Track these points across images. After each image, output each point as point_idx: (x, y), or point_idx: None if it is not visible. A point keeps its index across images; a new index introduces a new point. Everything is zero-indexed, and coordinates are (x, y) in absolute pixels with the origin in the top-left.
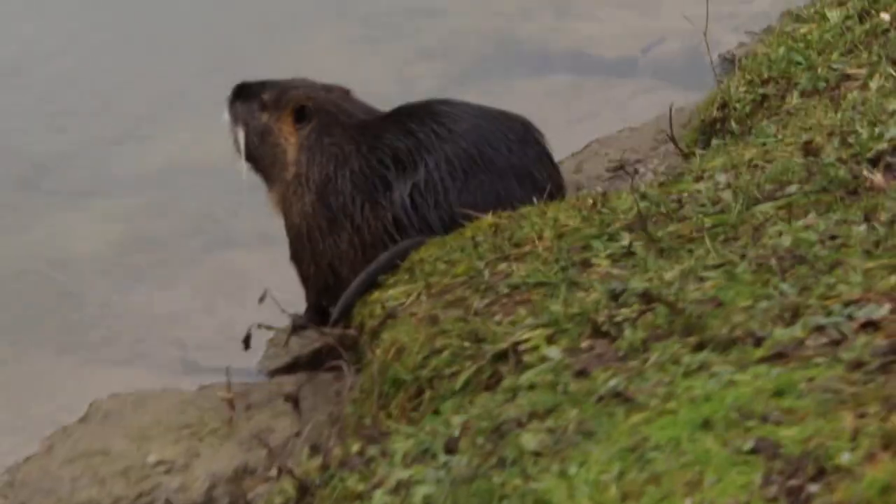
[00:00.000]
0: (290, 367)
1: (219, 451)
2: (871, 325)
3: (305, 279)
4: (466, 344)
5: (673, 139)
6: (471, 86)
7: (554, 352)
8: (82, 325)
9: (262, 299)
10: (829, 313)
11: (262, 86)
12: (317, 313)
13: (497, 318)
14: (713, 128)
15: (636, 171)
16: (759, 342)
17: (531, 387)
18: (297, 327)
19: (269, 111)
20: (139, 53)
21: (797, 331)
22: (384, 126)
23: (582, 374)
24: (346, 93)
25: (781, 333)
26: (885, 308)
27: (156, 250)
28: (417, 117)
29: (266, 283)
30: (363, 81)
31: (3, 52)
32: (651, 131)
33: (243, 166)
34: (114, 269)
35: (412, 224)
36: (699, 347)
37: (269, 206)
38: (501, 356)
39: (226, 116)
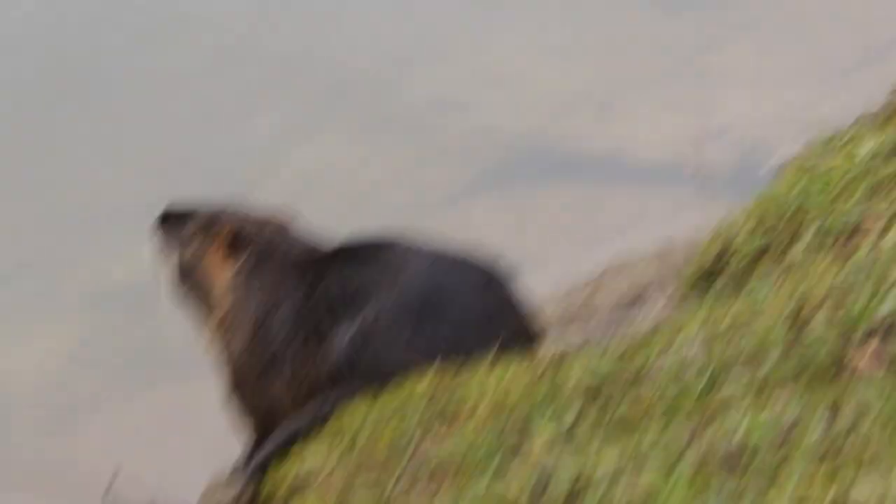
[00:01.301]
0: None
1: None
2: None
3: (239, 425)
4: None
5: (671, 283)
6: (489, 191)
7: None
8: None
9: (112, 479)
10: None
11: (191, 212)
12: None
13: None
14: (711, 275)
15: (633, 317)
16: None
17: None
18: (232, 473)
19: (198, 241)
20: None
21: None
22: (324, 266)
23: None
24: (285, 223)
25: None
26: None
27: (94, 385)
28: (361, 258)
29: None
30: (367, 183)
31: None
32: (678, 258)
33: (169, 300)
34: (45, 407)
35: (353, 378)
36: None
37: (201, 342)
38: None
39: (151, 245)
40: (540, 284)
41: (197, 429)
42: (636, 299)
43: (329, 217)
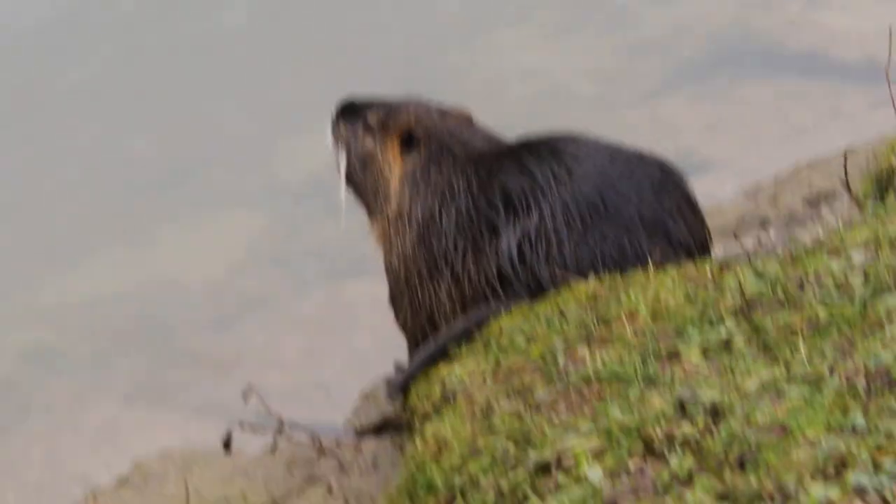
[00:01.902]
0: (379, 428)
1: None
2: None
3: (403, 328)
4: (512, 448)
5: (848, 187)
6: (685, 87)
7: (594, 473)
8: (164, 365)
9: (245, 396)
10: (877, 470)
11: (369, 105)
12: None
13: (559, 415)
14: (892, 180)
15: (817, 216)
16: (785, 502)
17: None
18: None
19: (374, 134)
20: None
21: (834, 491)
22: (499, 161)
23: None
24: (465, 118)
25: (815, 493)
26: None
27: (270, 278)
28: (537, 153)
29: (376, 321)
30: (563, 80)
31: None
32: (869, 155)
33: (344, 193)
34: (221, 296)
35: (519, 279)
36: (723, 498)
37: (371, 239)
38: (544, 468)
39: (328, 137)
40: (730, 181)
41: (366, 328)
42: (821, 199)
43: (521, 112)
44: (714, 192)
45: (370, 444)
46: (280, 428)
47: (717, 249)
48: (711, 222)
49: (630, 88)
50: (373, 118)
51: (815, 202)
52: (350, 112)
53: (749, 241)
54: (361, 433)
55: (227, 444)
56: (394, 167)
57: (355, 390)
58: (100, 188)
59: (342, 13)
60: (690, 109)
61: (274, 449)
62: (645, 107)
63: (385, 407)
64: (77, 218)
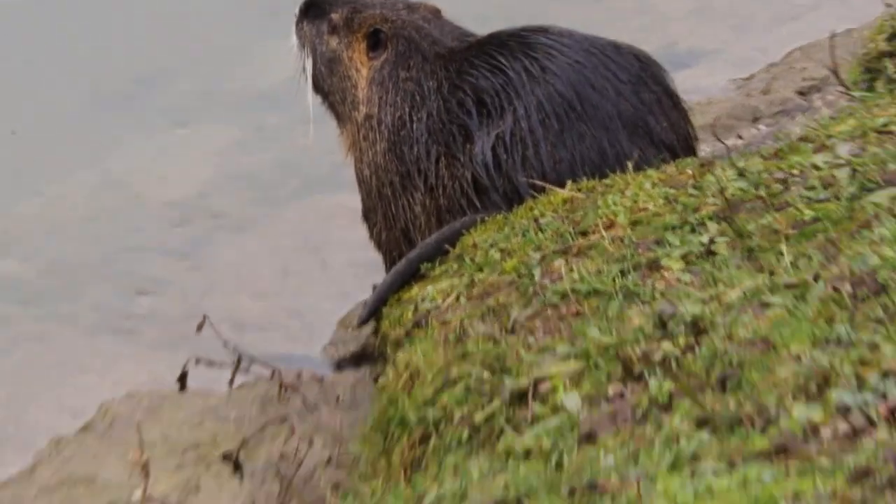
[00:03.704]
0: (358, 358)
1: (223, 486)
2: None
3: (378, 244)
4: (486, 375)
5: (837, 74)
6: None
7: (572, 400)
8: (132, 294)
9: (199, 328)
10: (861, 386)
11: (334, 2)
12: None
13: (535, 337)
14: (879, 64)
15: (806, 109)
16: (767, 425)
17: (527, 454)
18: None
19: (340, 35)
20: None
21: (816, 412)
22: (470, 59)
23: (588, 438)
24: (434, 13)
25: (797, 414)
26: None
27: (242, 195)
28: (509, 49)
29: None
30: None
31: None
32: (864, 37)
33: (311, 99)
34: (191, 218)
35: (494, 186)
36: (703, 423)
37: (341, 148)
38: (520, 396)
39: (293, 39)
40: (720, 71)
41: (344, 247)
42: (814, 88)
43: (499, 3)
44: (703, 85)
45: (349, 377)
46: (238, 363)
47: (705, 147)
48: (700, 118)
49: None
50: (337, 16)
51: (807, 92)
52: (314, 11)
53: (738, 137)
54: (339, 365)
55: (182, 382)
56: (361, 69)
57: (334, 317)
58: (58, 103)
59: None
60: None
61: (231, 383)
62: None
63: (364, 335)
64: (35, 139)
